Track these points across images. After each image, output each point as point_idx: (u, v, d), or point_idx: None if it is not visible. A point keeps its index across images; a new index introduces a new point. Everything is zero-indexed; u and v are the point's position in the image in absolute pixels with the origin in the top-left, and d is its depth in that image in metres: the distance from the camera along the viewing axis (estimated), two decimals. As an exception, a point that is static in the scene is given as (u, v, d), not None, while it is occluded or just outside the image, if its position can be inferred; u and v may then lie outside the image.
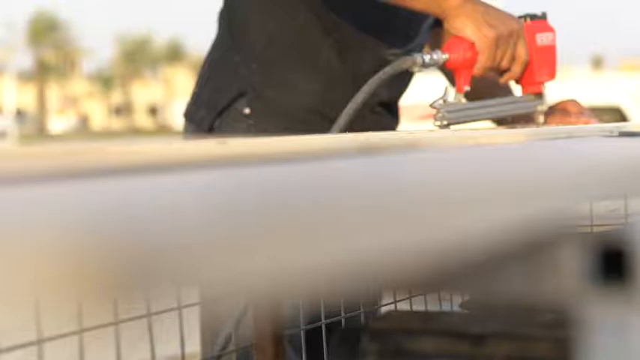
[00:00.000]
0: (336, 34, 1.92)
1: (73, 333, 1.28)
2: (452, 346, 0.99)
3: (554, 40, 1.87)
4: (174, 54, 70.41)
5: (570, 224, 0.48)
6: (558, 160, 0.67)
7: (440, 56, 1.73)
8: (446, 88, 1.73)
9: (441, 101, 1.72)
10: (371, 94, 1.77)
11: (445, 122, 1.73)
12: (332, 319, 1.56)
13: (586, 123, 2.11)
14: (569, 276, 0.47)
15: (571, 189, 0.52)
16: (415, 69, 1.74)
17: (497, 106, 1.89)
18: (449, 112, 1.72)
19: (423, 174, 0.52)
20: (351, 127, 1.81)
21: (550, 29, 1.87)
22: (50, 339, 1.25)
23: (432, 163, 0.64)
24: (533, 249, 0.45)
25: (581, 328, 0.51)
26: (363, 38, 1.93)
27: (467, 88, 1.76)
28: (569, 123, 2.09)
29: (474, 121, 1.84)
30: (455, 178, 0.48)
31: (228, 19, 2.00)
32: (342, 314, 1.54)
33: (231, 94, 1.94)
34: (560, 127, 1.83)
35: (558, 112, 2.13)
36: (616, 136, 1.41)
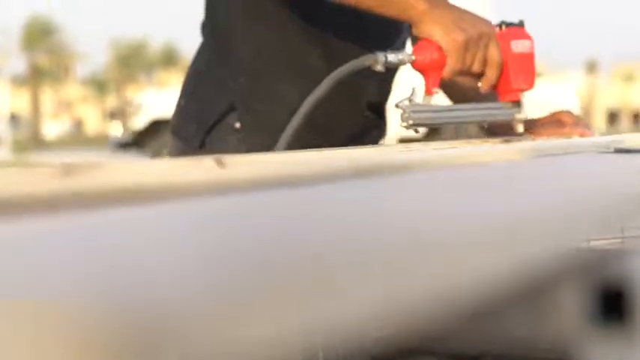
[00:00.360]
0: (320, 42, 1.92)
1: None
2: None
3: (531, 47, 1.85)
4: (169, 58, 70.34)
5: (569, 262, 0.47)
6: (555, 190, 0.66)
7: (405, 56, 1.73)
8: (413, 89, 1.72)
9: (406, 101, 1.71)
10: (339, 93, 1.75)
11: (410, 122, 1.72)
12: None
13: (581, 134, 2.11)
14: (569, 317, 0.47)
15: (569, 224, 0.51)
16: (377, 67, 1.73)
17: (469, 110, 1.87)
18: (414, 112, 1.71)
19: (415, 212, 0.51)
20: (344, 132, 1.83)
21: (527, 37, 1.85)
22: None
23: (424, 197, 0.63)
24: (532, 291, 0.44)
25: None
26: (346, 44, 1.93)
27: (436, 90, 1.75)
28: (564, 134, 2.08)
29: (442, 124, 1.84)
30: (447, 215, 0.47)
31: (211, 31, 1.99)
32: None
33: (221, 108, 1.93)
34: (555, 141, 1.83)
35: (553, 123, 2.13)
36: (611, 153, 1.41)
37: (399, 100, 1.72)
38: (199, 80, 1.99)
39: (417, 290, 0.39)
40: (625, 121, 74.27)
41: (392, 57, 1.71)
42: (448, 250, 0.41)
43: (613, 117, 75.25)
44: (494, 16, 1.96)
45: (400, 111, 1.72)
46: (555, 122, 2.12)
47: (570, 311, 0.47)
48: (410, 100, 1.71)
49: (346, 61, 1.93)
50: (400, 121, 1.72)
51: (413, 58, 1.73)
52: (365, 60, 1.73)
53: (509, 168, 0.99)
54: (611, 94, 74.73)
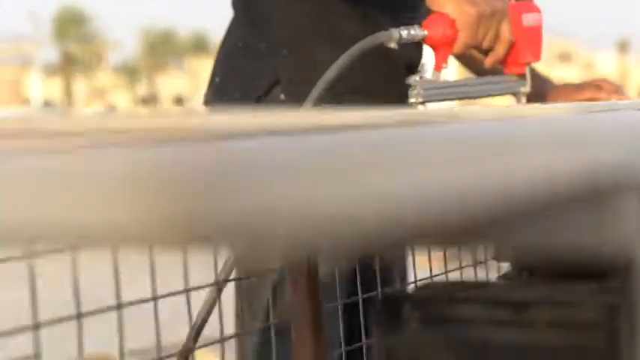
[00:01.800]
0: (358, 12, 1.93)
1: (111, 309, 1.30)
2: (494, 313, 0.99)
3: (540, 20, 1.83)
4: (199, 45, 70.44)
5: (631, 173, 0.48)
6: (610, 121, 0.67)
7: (418, 32, 1.70)
8: (422, 65, 1.73)
9: (417, 77, 1.70)
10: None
11: (420, 99, 1.70)
12: (369, 294, 1.60)
13: (619, 99, 2.11)
14: (629, 222, 0.48)
15: (629, 142, 0.52)
16: (391, 44, 1.70)
17: (477, 85, 1.87)
18: (425, 89, 1.70)
19: (477, 126, 0.52)
20: (386, 96, 1.83)
21: (536, 9, 1.83)
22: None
23: (486, 121, 0.64)
24: (593, 195, 0.45)
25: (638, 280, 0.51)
26: (384, 14, 1.94)
27: (445, 65, 1.73)
28: (601, 99, 2.09)
29: (451, 99, 1.82)
30: (512, 126, 0.48)
31: (247, 6, 2.00)
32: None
33: (264, 83, 1.94)
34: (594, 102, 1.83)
35: (591, 87, 2.13)
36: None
37: (409, 77, 1.71)
38: (237, 56, 2.00)
39: (479, 183, 0.40)
40: (658, 101, 73.40)
41: (405, 33, 1.68)
42: (509, 148, 0.43)
43: (646, 97, 74.46)
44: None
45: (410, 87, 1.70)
46: (594, 87, 2.13)
47: (631, 216, 0.48)
48: (420, 76, 1.71)
49: (382, 29, 1.94)
50: (410, 97, 1.70)
51: (425, 33, 1.70)
52: (378, 37, 1.71)
53: (558, 120, 1.00)
54: (644, 74, 73.99)
